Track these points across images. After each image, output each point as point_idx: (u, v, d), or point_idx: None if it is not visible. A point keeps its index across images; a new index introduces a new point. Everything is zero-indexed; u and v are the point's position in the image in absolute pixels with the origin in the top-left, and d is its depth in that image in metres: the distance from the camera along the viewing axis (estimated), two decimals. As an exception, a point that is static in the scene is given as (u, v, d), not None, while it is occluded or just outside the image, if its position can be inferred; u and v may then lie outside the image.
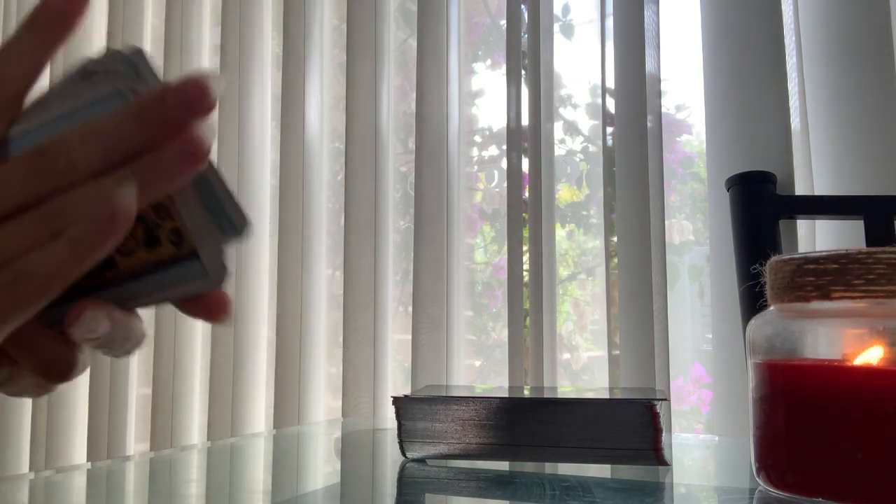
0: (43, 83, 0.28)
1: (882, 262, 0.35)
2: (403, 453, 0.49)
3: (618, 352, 1.05)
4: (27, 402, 1.42)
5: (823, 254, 0.36)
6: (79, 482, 0.48)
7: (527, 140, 1.13)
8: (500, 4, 1.26)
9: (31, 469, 1.43)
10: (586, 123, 1.22)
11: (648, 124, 1.05)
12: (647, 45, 1.06)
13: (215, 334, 1.33)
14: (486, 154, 1.29)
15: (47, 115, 0.27)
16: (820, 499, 0.35)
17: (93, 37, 1.52)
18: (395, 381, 1.26)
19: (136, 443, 1.39)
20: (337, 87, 1.36)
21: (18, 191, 0.25)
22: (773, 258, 0.40)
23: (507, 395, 0.49)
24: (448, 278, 1.18)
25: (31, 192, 0.25)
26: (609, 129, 1.09)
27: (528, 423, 0.46)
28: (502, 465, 0.48)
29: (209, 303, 0.29)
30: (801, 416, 0.36)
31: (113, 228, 0.25)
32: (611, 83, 1.09)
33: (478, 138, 1.28)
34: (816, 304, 0.37)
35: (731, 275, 0.93)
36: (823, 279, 0.36)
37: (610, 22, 1.09)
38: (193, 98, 0.25)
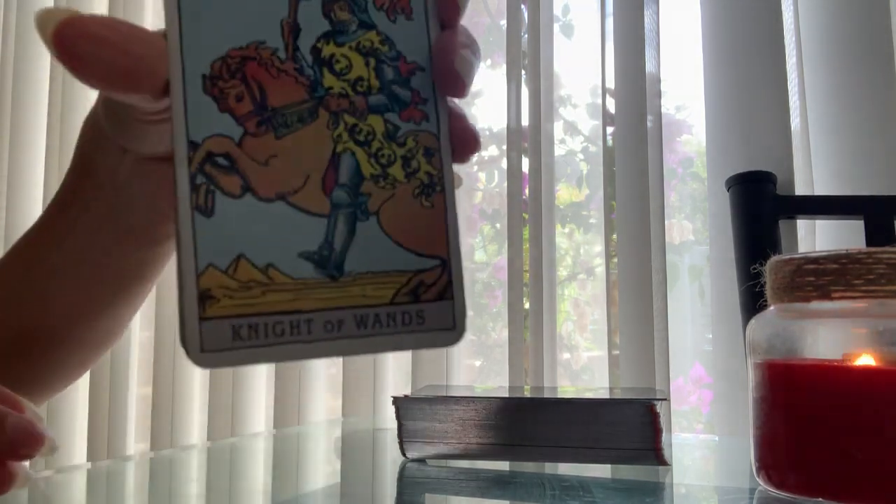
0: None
1: (882, 262, 0.35)
2: (403, 453, 0.49)
3: (618, 352, 1.05)
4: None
5: (823, 254, 0.36)
6: (79, 482, 0.48)
7: (527, 140, 1.13)
8: (500, 4, 1.26)
9: (31, 469, 1.43)
10: (586, 123, 1.22)
11: (648, 124, 1.05)
12: (647, 45, 1.05)
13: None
14: (486, 154, 1.29)
15: None
16: (820, 499, 0.35)
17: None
18: (395, 381, 1.26)
19: (136, 443, 1.39)
20: (337, 87, 1.36)
21: None
22: (773, 258, 0.39)
23: (507, 395, 0.49)
24: (448, 278, 1.18)
25: None
26: (609, 129, 1.09)
27: (529, 423, 0.46)
28: (502, 465, 0.48)
29: None
30: (801, 416, 0.36)
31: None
32: (611, 83, 1.09)
33: (478, 138, 1.28)
34: (816, 304, 0.37)
35: (731, 275, 0.93)
36: (823, 279, 0.36)
37: (610, 22, 1.09)
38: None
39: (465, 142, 0.26)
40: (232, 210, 0.23)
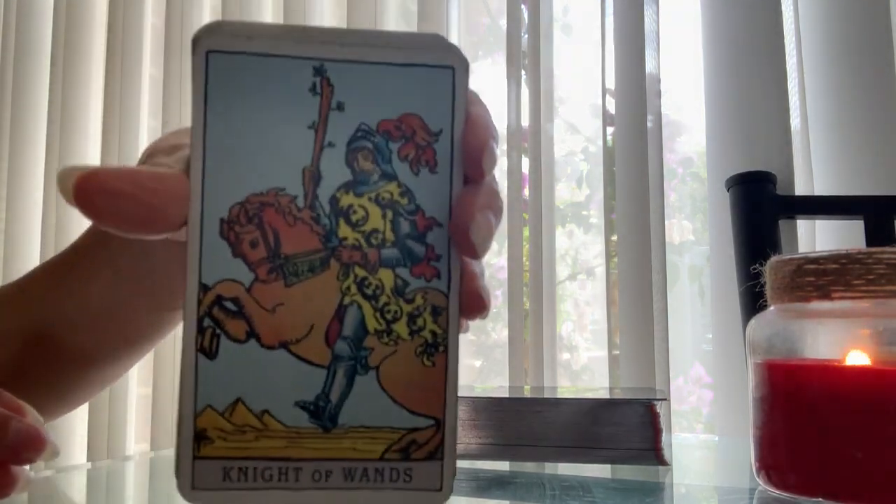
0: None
1: (882, 262, 0.35)
2: (403, 453, 0.49)
3: (618, 352, 1.05)
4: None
5: (823, 254, 0.36)
6: (79, 482, 0.48)
7: (527, 140, 1.13)
8: (500, 4, 1.26)
9: (31, 469, 1.43)
10: (586, 123, 1.22)
11: (648, 124, 1.05)
12: (647, 46, 1.05)
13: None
14: (486, 154, 1.29)
15: None
16: (820, 499, 0.35)
17: (93, 36, 1.52)
18: (395, 381, 1.26)
19: (136, 443, 1.39)
20: (337, 87, 1.36)
21: None
22: (773, 258, 0.39)
23: (506, 395, 0.49)
24: (448, 278, 1.18)
25: None
26: (609, 129, 1.09)
27: (528, 423, 0.46)
28: (502, 465, 0.48)
29: None
30: (801, 416, 0.36)
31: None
32: (611, 83, 1.09)
33: (478, 138, 1.28)
34: (816, 304, 0.37)
35: (731, 275, 0.93)
36: (823, 279, 0.36)
37: (610, 22, 1.09)
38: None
39: (474, 304, 0.26)
40: (235, 355, 0.24)
